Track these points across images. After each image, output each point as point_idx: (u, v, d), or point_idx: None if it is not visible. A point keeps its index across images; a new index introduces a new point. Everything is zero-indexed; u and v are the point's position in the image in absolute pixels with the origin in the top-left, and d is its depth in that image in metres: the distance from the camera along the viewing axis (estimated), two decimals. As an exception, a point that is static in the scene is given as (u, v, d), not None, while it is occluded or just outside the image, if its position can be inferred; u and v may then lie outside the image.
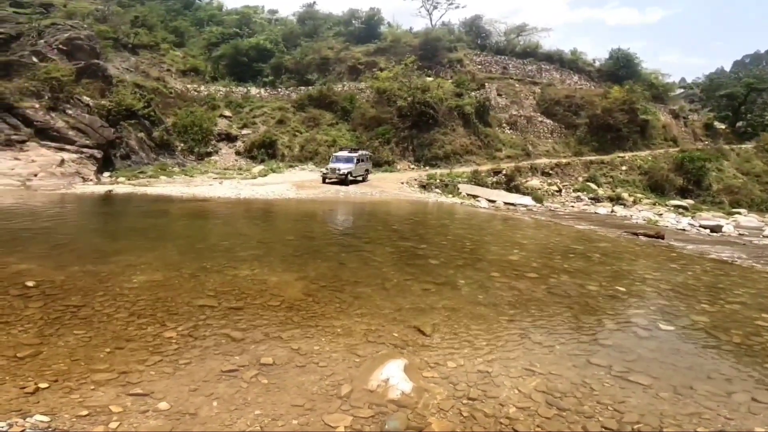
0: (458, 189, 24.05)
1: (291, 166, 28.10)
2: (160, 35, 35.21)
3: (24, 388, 3.81)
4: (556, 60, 38.48)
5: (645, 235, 14.81)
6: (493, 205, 21.67)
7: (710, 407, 4.14)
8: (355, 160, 22.93)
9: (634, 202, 26.98)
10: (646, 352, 5.30)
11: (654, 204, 26.93)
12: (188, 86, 32.09)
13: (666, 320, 6.50)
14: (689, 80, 64.59)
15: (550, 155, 30.65)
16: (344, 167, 22.17)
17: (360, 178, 23.28)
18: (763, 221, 23.79)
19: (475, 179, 25.65)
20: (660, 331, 6.08)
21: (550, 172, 28.52)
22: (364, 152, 24.88)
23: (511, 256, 10.30)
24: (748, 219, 24.55)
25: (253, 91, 33.16)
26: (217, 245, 9.83)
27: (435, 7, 41.06)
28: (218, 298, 6.25)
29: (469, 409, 3.89)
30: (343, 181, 21.83)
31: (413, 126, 28.38)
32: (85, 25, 27.66)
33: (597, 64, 40.70)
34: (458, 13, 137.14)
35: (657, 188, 29.50)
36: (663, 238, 14.44)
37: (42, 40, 24.39)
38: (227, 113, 31.37)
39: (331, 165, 22.58)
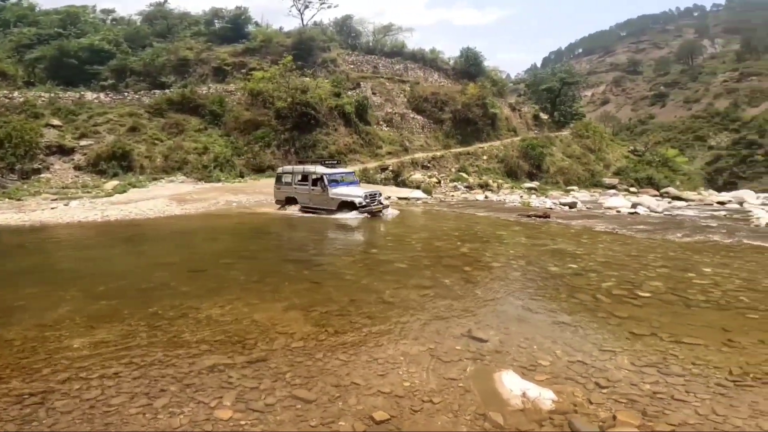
0: (350, 188, 23.97)
1: (155, 179, 24.37)
2: (-53, 36, 27.23)
3: None
4: (419, 59, 41.14)
5: (536, 216, 16.83)
6: (389, 200, 22.16)
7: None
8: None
9: (498, 188, 30.62)
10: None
11: (512, 188, 30.93)
12: (-5, 93, 25.32)
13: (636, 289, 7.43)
14: (513, 76, 76.14)
15: (424, 149, 32.72)
16: (368, 191, 16.24)
17: None
18: (593, 195, 29.43)
19: (365, 177, 25.94)
20: (641, 298, 6.89)
21: (428, 165, 30.50)
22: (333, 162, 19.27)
23: (462, 248, 10.63)
24: (582, 194, 30.04)
25: (90, 96, 27.84)
26: (141, 281, 7.87)
27: (306, 7, 40.22)
28: (220, 350, 4.96)
29: (618, 396, 3.90)
30: (375, 212, 15.68)
31: (294, 128, 27.26)
32: None
33: (452, 62, 44.71)
34: (330, 13, 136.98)
35: (511, 174, 33.99)
36: (549, 218, 16.62)
37: None
38: (56, 122, 25.71)
39: (341, 191, 15.89)
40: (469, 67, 43.38)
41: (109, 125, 26.02)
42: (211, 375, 4.41)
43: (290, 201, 17.07)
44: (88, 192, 21.57)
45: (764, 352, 4.78)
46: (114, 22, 39.37)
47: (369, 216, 15.23)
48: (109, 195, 20.94)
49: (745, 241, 11.38)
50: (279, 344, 5.14)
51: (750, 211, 18.11)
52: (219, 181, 24.35)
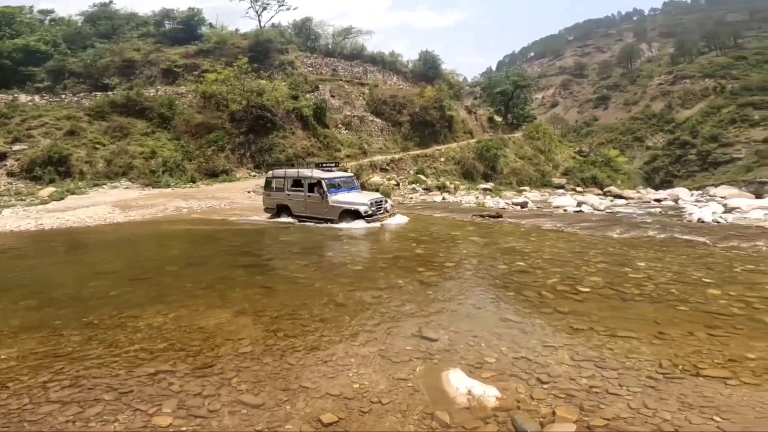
0: (308, 192, 23.65)
1: (97, 185, 23.05)
2: None
3: None
4: (378, 62, 41.23)
5: (489, 216, 17.29)
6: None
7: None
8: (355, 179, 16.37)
9: (455, 189, 31.22)
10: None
11: (468, 189, 31.57)
12: None
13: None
14: (470, 79, 78.18)
15: (383, 152, 32.84)
16: (373, 198, 14.53)
17: None
18: (543, 195, 30.67)
19: (323, 180, 25.70)
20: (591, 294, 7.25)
21: (387, 167, 30.64)
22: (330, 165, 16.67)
23: (417, 249, 10.75)
24: (533, 194, 31.22)
25: (23, 98, 26.09)
26: (76, 291, 7.51)
27: (264, 8, 39.45)
28: (161, 358, 4.78)
29: (558, 391, 4.04)
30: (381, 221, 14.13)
31: (250, 131, 26.56)
32: None
33: (410, 65, 45.16)
34: (288, 15, 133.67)
35: (468, 175, 34.71)
36: (502, 217, 17.14)
37: None
38: (-14, 126, 23.87)
39: (342, 197, 14.07)
40: (428, 69, 44.00)
41: (44, 129, 24.38)
42: (150, 383, 4.26)
43: (282, 209, 15.21)
44: (21, 200, 20.17)
45: (692, 344, 5.09)
46: (53, 23, 37.17)
47: (379, 225, 13.62)
48: (45, 202, 19.69)
49: (678, 236, 12.22)
50: (225, 350, 5.01)
51: (683, 208, 19.52)
52: (168, 186, 23.33)
